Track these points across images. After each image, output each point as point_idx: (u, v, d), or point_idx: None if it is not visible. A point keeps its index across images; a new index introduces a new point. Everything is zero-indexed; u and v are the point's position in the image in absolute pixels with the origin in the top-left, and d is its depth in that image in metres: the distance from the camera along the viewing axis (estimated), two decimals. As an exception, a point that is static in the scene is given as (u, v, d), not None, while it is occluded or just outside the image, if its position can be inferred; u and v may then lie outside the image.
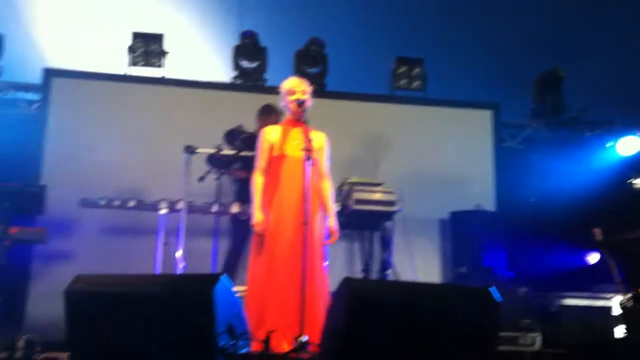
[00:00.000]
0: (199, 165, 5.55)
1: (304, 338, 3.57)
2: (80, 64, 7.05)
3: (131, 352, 3.16)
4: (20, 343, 3.61)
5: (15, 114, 6.73)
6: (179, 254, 5.24)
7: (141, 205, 5.74)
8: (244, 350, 3.20)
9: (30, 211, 5.38)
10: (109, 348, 3.18)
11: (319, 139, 4.39)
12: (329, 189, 4.40)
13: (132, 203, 5.70)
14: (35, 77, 6.76)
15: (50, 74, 6.71)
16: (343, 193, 5.83)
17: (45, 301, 5.58)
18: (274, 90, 4.66)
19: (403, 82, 7.21)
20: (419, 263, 6.23)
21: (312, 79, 5.02)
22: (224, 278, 3.25)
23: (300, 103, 4.30)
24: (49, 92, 6.64)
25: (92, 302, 3.26)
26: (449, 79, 7.98)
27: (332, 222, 4.30)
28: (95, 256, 6.00)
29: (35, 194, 5.21)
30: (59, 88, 6.67)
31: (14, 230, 5.02)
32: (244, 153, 5.53)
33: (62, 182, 6.08)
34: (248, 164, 4.56)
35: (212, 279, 3.22)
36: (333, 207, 4.40)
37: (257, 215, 4.21)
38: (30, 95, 6.86)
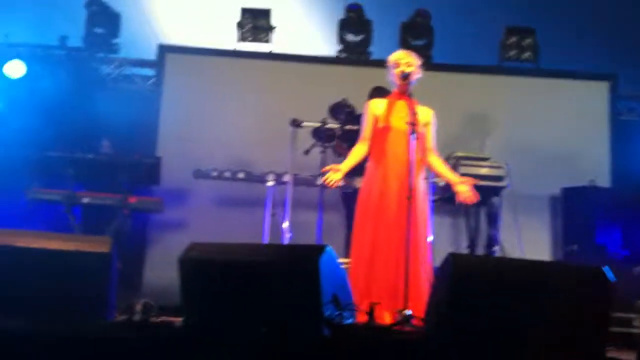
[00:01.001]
0: (305, 138, 5.62)
1: (408, 312, 3.58)
2: (192, 40, 7.28)
3: (241, 318, 3.28)
4: (138, 307, 3.81)
5: (132, 90, 7.08)
6: (285, 224, 5.36)
7: (250, 177, 5.91)
8: (349, 321, 3.25)
9: (147, 182, 5.64)
10: (221, 314, 3.32)
11: (426, 114, 4.34)
12: (439, 162, 4.37)
13: (241, 175, 5.88)
14: (150, 54, 7.06)
15: (165, 50, 6.98)
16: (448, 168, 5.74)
17: (161, 267, 5.91)
18: (379, 64, 4.63)
19: (513, 53, 6.97)
20: (527, 240, 6.06)
21: (418, 51, 4.93)
22: (329, 249, 3.31)
23: (405, 76, 4.25)
24: (163, 67, 6.92)
25: (205, 269, 3.41)
26: (562, 49, 7.62)
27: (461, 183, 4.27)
28: (207, 225, 6.25)
29: (152, 165, 5.45)
30: (172, 63, 6.93)
31: (132, 200, 5.29)
32: (348, 127, 5.55)
33: (176, 154, 6.35)
34: (352, 138, 4.58)
35: (318, 249, 3.28)
36: (454, 174, 4.36)
37: (342, 167, 4.23)
38: (146, 71, 7.18)
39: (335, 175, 4.23)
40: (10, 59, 6.55)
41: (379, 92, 5.54)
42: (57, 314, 3.48)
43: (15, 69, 6.49)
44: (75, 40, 6.92)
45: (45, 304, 3.58)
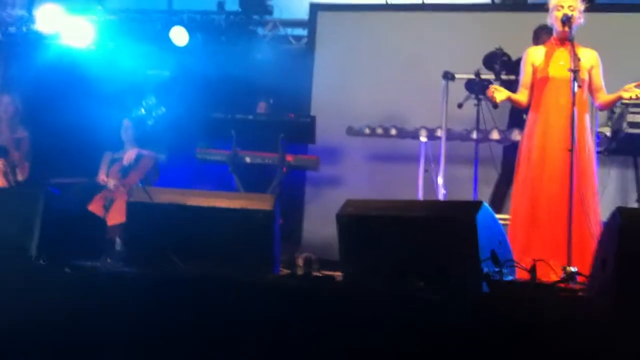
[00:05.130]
0: (458, 91, 5.50)
1: (573, 268, 3.45)
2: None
3: (398, 273, 3.33)
4: (300, 261, 3.98)
5: (286, 50, 7.26)
6: (440, 180, 5.32)
7: (402, 133, 5.90)
8: (508, 278, 3.20)
9: (302, 140, 5.80)
10: (378, 268, 3.39)
11: (590, 57, 4.08)
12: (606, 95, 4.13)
13: (393, 131, 5.89)
14: (303, 13, 7.17)
15: (316, 8, 7.05)
16: (614, 116, 5.39)
17: (319, 223, 6.10)
18: (538, 8, 4.40)
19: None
20: None
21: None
22: (485, 205, 3.25)
23: (566, 20, 4.00)
24: (315, 26, 7.01)
25: (361, 224, 3.49)
26: None
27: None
28: (361, 182, 6.34)
29: (306, 124, 5.58)
30: (324, 22, 7.00)
31: (289, 158, 5.48)
32: (503, 77, 5.35)
33: (329, 112, 6.44)
34: (509, 89, 4.41)
35: (475, 205, 3.24)
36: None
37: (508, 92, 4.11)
38: (299, 31, 7.33)
39: (499, 94, 4.11)
40: (173, 25, 6.94)
41: (545, 31, 5.23)
42: (225, 267, 3.73)
43: (179, 36, 6.87)
44: (232, 4, 7.19)
45: (215, 259, 3.85)
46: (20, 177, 5.95)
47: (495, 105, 4.53)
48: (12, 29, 7.72)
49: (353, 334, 2.84)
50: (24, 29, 7.70)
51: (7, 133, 6.13)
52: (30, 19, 7.55)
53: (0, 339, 3.13)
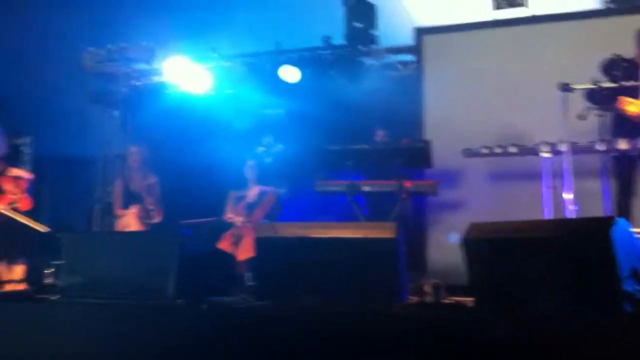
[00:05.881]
0: (577, 102, 5.31)
1: None
2: (446, 18, 7.27)
3: (525, 296, 3.25)
4: (427, 287, 3.96)
5: (394, 76, 7.31)
6: (568, 196, 5.12)
7: (522, 150, 5.73)
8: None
9: (419, 165, 5.78)
10: (509, 292, 3.32)
11: None
12: None
13: (513, 149, 5.74)
14: (407, 39, 7.21)
15: (421, 32, 7.07)
16: None
17: (443, 248, 6.03)
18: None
19: None
20: None
21: None
22: (621, 220, 3.12)
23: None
24: (422, 50, 7.02)
25: (489, 248, 3.43)
26: None
27: None
28: (483, 203, 6.21)
29: (422, 149, 5.56)
30: (430, 45, 7.00)
31: (407, 184, 5.47)
32: (625, 83, 5.11)
33: (443, 134, 6.39)
34: (632, 95, 4.22)
35: (608, 220, 3.12)
36: None
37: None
38: (405, 57, 7.36)
39: (632, 106, 3.91)
40: (283, 65, 7.18)
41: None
42: (352, 298, 3.77)
43: (290, 74, 7.09)
44: (337, 37, 7.34)
45: (342, 290, 3.90)
46: (155, 220, 6.31)
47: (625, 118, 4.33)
48: (136, 82, 8.27)
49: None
50: (147, 81, 8.24)
51: (139, 180, 6.53)
52: (151, 72, 8.07)
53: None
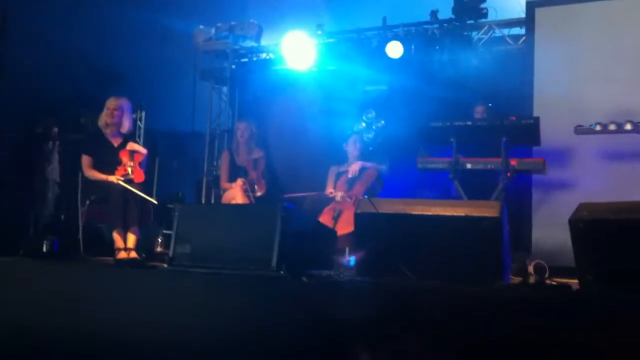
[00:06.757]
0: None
1: None
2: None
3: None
4: (530, 268, 3.85)
5: (503, 51, 7.08)
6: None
7: (638, 127, 5.44)
8: None
9: (526, 143, 5.58)
10: (618, 275, 3.18)
11: None
12: None
13: (628, 126, 5.44)
14: (518, 12, 6.95)
15: (533, 5, 6.78)
16: None
17: (549, 228, 5.83)
18: None
19: None
20: None
21: None
22: None
23: None
24: (533, 23, 6.75)
25: (598, 229, 3.29)
26: None
27: None
28: (592, 183, 5.93)
29: (530, 126, 5.36)
30: (542, 18, 6.70)
31: (513, 162, 5.31)
32: None
33: (554, 111, 6.14)
34: None
35: None
36: None
37: None
38: (516, 30, 7.11)
39: None
40: (389, 41, 7.11)
41: None
42: (453, 277, 3.73)
43: (395, 49, 7.03)
44: (445, 12, 7.18)
45: (441, 268, 3.87)
46: (259, 194, 6.47)
47: None
48: (244, 60, 8.47)
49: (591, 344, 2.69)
50: (254, 58, 8.41)
51: (245, 155, 6.71)
52: (259, 49, 8.23)
53: (250, 342, 3.43)
